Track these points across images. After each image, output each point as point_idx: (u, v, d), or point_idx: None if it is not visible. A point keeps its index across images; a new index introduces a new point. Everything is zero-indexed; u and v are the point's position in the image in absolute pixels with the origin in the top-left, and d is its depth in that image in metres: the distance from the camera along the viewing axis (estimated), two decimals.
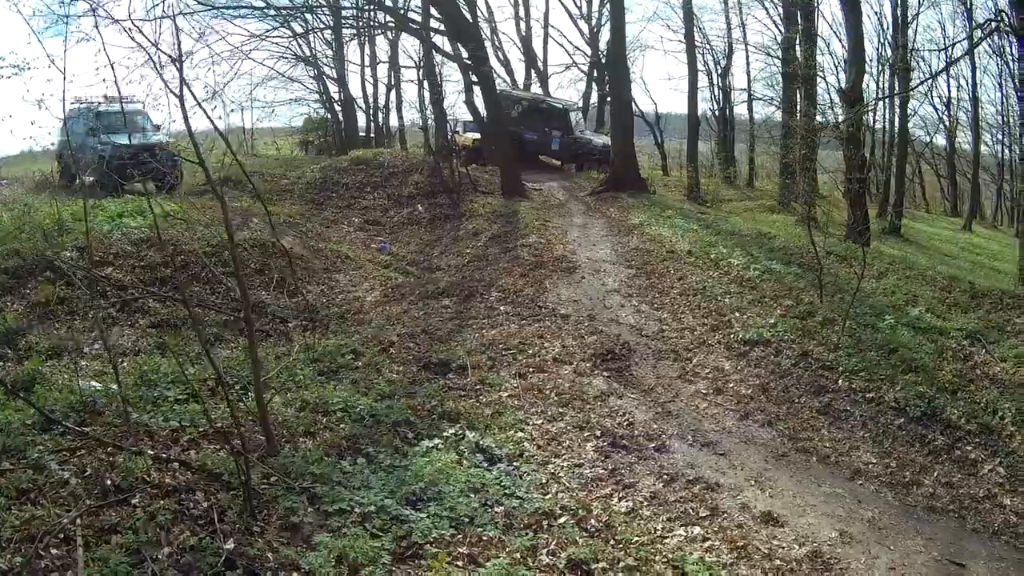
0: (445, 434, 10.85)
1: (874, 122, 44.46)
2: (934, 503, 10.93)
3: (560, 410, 12.38)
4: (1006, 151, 68.21)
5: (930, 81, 53.39)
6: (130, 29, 8.55)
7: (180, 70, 8.29)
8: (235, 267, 9.32)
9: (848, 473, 11.50)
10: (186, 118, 8.64)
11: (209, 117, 8.73)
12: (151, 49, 8.51)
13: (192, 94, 8.47)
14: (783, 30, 46.93)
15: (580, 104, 53.05)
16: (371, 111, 52.59)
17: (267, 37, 37.98)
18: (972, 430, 12.55)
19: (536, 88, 54.01)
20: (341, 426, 10.55)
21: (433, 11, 33.91)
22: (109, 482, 7.84)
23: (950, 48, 47.27)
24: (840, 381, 13.98)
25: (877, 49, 53.36)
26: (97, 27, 9.13)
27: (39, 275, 14.99)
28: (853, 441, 12.41)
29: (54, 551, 6.75)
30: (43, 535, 6.78)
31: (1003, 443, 12.27)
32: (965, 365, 14.37)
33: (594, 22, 54.56)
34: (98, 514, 7.38)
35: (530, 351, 14.73)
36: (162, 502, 7.65)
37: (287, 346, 14.17)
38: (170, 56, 8.38)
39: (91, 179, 26.01)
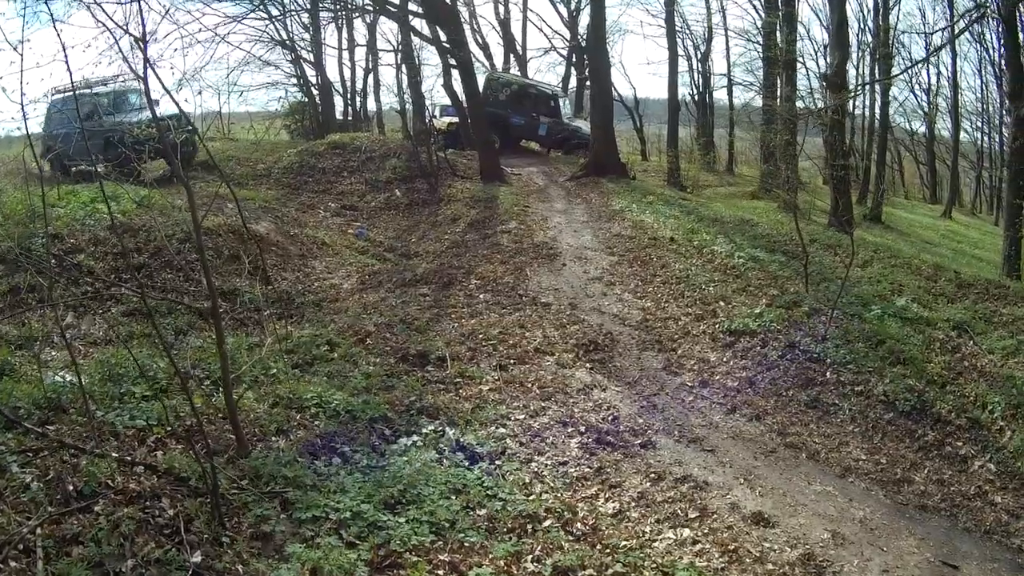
0: (424, 431, 10.55)
1: (854, 108, 44.36)
2: (925, 501, 10.68)
3: (543, 404, 12.06)
4: (985, 138, 68.49)
5: (918, 66, 53.39)
6: (92, 6, 8.13)
7: (144, 51, 7.83)
8: (201, 258, 8.83)
9: (838, 470, 11.21)
10: (150, 101, 8.27)
11: (175, 100, 8.33)
12: (115, 30, 8.07)
13: (157, 76, 8.05)
14: (763, 15, 46.81)
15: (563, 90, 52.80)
16: (349, 95, 52.23)
17: (243, 20, 37.59)
18: (962, 425, 12.29)
19: (515, 71, 53.77)
20: (316, 423, 10.19)
21: None
22: (71, 487, 7.41)
23: (938, 33, 47.30)
24: (828, 373, 13.69)
25: (857, 35, 53.16)
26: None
27: (8, 263, 14.56)
28: (842, 436, 12.13)
29: (13, 563, 6.37)
30: (2, 545, 6.43)
31: (993, 438, 12.01)
32: (953, 357, 14.10)
33: (573, 5, 54.43)
34: (59, 522, 6.98)
35: (511, 341, 14.44)
36: (126, 509, 7.24)
37: (261, 336, 13.80)
38: (133, 36, 7.92)
39: (102, 167, 23.83)
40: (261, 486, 8.26)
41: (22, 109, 7.52)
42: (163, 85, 8.62)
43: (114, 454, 7.99)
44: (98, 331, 13.53)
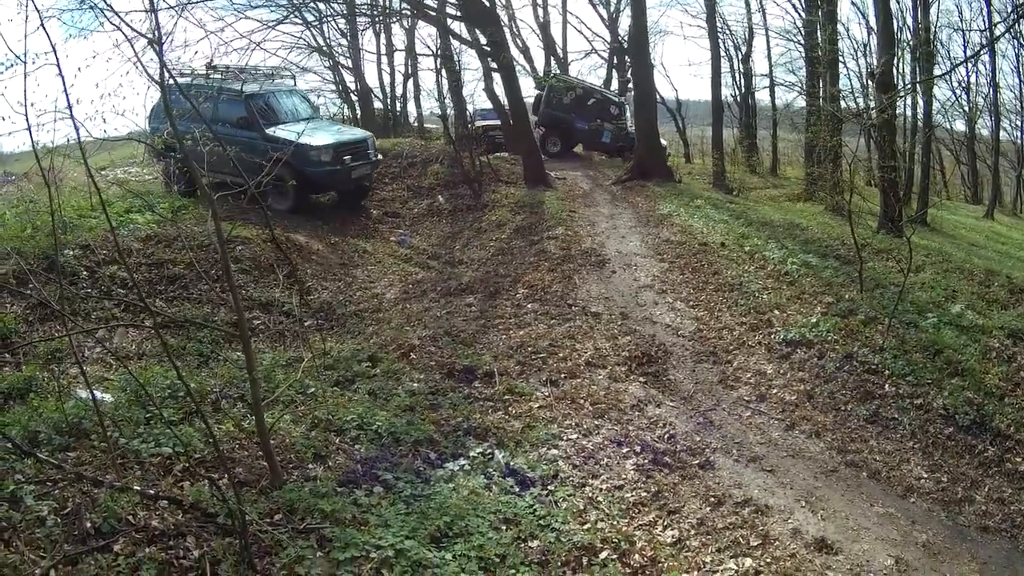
0: (472, 454, 10.01)
1: (896, 106, 44.24)
2: (986, 522, 10.21)
3: (596, 422, 11.52)
4: None
5: (967, 63, 53.02)
6: (106, 11, 7.64)
7: (160, 53, 7.32)
8: (227, 278, 8.27)
9: (900, 490, 10.71)
10: (167, 107, 7.70)
11: (194, 106, 7.86)
12: (129, 32, 7.55)
13: (174, 79, 7.53)
14: (804, 14, 46.48)
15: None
16: (388, 100, 51.95)
17: (278, 26, 37.24)
18: (1022, 439, 11.80)
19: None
20: (356, 447, 9.66)
21: None
22: (89, 524, 6.89)
23: (978, 32, 46.70)
24: (887, 386, 13.13)
25: (897, 32, 52.72)
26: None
27: (40, 274, 13.95)
28: (903, 453, 11.60)
29: None
30: None
31: None
32: (1010, 367, 13.56)
33: (613, 7, 54.09)
34: (76, 563, 6.49)
35: (561, 354, 13.92)
36: (148, 549, 6.75)
37: (299, 350, 13.33)
38: (148, 38, 7.42)
39: (285, 206, 24.68)
40: (296, 522, 7.65)
41: (26, 120, 7.02)
42: (179, 87, 8.09)
43: (136, 487, 7.43)
44: (130, 344, 13.04)
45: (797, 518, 9.56)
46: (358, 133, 28.90)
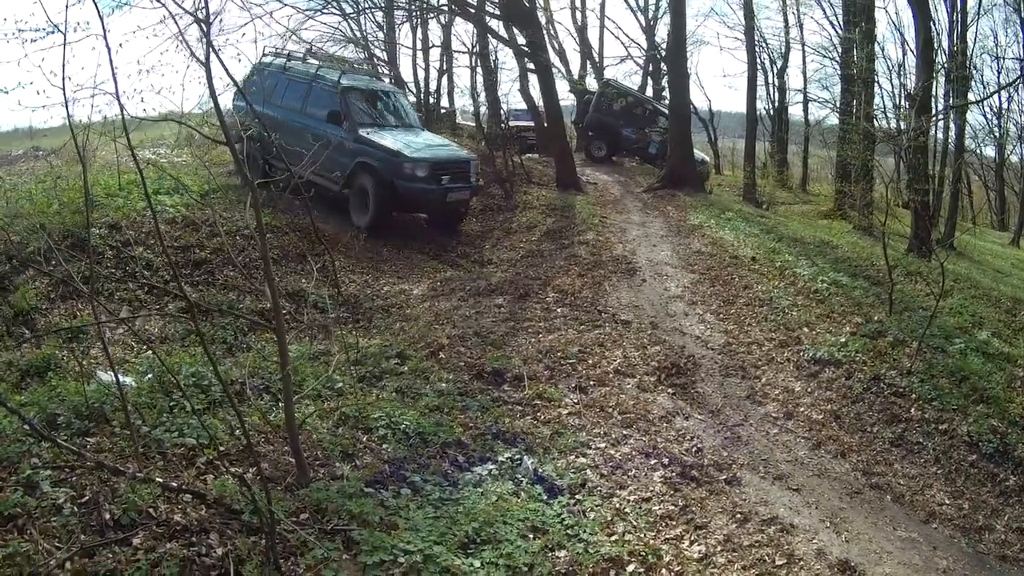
0: (500, 458, 9.91)
1: (931, 128, 44.37)
2: (1005, 551, 10.15)
3: (624, 432, 11.41)
4: None
5: (1007, 90, 53.05)
6: None
7: (207, 33, 7.14)
8: (266, 272, 8.11)
9: (923, 515, 10.63)
10: (212, 91, 7.45)
11: (241, 91, 7.69)
12: (175, 9, 7.38)
13: (220, 61, 7.38)
14: (841, 31, 46.46)
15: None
16: (422, 96, 51.97)
17: (316, 16, 37.22)
18: None
19: (591, 80, 53.68)
20: (384, 446, 9.55)
21: None
22: (108, 515, 6.75)
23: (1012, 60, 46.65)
24: (913, 410, 13.07)
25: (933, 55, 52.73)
26: None
27: (64, 251, 13.74)
28: (927, 478, 11.55)
29: None
30: None
31: None
32: None
33: (651, 14, 54.06)
34: (93, 555, 6.32)
35: (590, 361, 13.82)
36: (169, 545, 6.56)
37: (327, 342, 13.29)
38: (194, 15, 7.28)
39: (363, 222, 22.30)
40: (323, 522, 7.51)
41: (63, 95, 6.88)
42: (228, 71, 7.90)
43: (158, 478, 7.25)
44: (153, 328, 13.08)
45: (822, 539, 9.48)
46: (460, 153, 25.65)
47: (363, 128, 23.41)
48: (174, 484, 7.25)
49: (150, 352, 10.97)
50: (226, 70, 7.97)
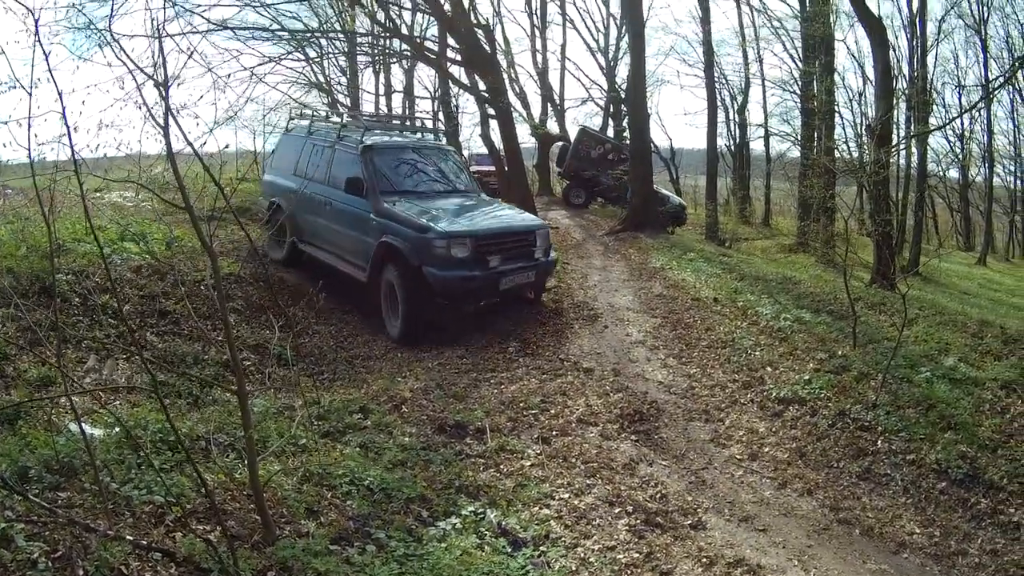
0: (464, 512, 9.88)
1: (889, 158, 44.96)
2: (980, 574, 10.20)
3: (588, 481, 11.45)
4: (1018, 182, 68.77)
5: (966, 114, 53.55)
6: (113, 43, 7.51)
7: (166, 97, 7.22)
8: (227, 335, 8.13)
9: (893, 546, 10.68)
10: (171, 155, 7.48)
11: (197, 153, 7.69)
12: (132, 68, 7.39)
13: (177, 124, 7.40)
14: (801, 64, 46.88)
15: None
16: None
17: (281, 61, 37.34)
18: (1014, 491, 11.71)
19: (552, 123, 54.04)
20: (348, 503, 9.51)
21: (450, 40, 33.42)
22: (82, 572, 6.71)
23: (983, 84, 47.10)
24: (879, 442, 13.14)
25: (892, 81, 53.21)
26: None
27: (33, 296, 14.01)
28: (895, 509, 11.59)
29: None
30: None
31: None
32: (1003, 419, 13.49)
33: (611, 55, 54.45)
34: None
35: (552, 411, 13.87)
36: None
37: (291, 398, 13.21)
38: (153, 79, 7.32)
39: (394, 331, 18.02)
40: None
41: (28, 147, 6.92)
42: (184, 134, 7.87)
43: (128, 536, 7.29)
44: (120, 378, 12.90)
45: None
46: (519, 220, 20.21)
47: (388, 198, 18.75)
48: (144, 542, 7.30)
49: (118, 402, 11.02)
50: (184, 135, 7.95)
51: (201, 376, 12.62)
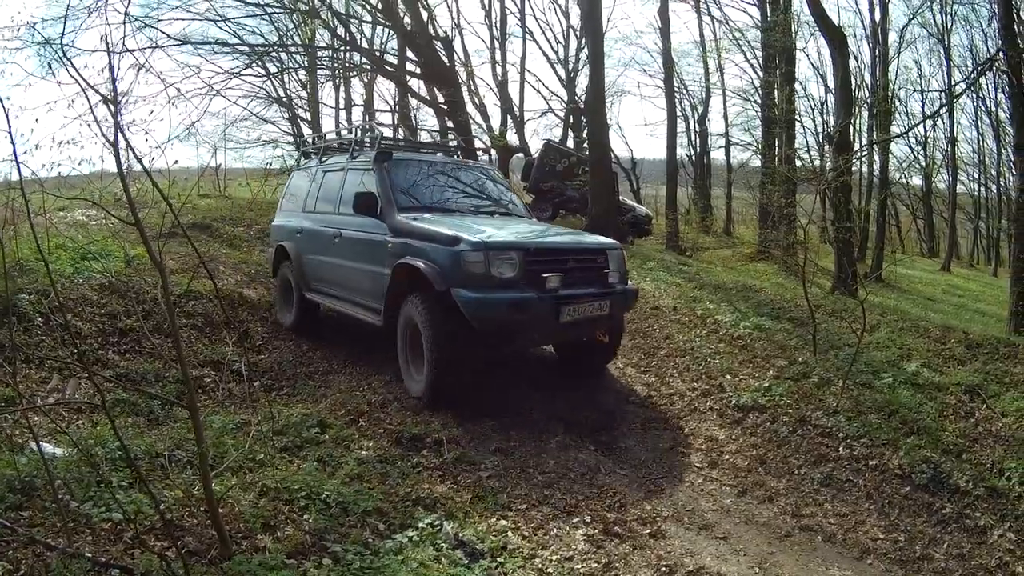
0: (420, 525, 9.89)
1: (850, 167, 45.36)
2: None
3: (545, 492, 11.52)
4: (982, 189, 69.43)
5: (927, 122, 53.92)
6: (65, 60, 7.52)
7: (115, 113, 7.25)
8: (176, 349, 8.11)
9: (856, 552, 10.71)
10: (121, 172, 7.59)
11: (146, 170, 7.69)
12: (87, 88, 7.38)
13: (127, 140, 7.40)
14: (761, 74, 47.13)
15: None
16: None
17: (240, 75, 37.28)
18: (980, 495, 11.77)
19: (512, 135, 54.11)
20: (305, 517, 9.51)
21: (409, 54, 33.52)
22: None
23: (937, 92, 47.36)
24: (841, 448, 13.22)
25: (854, 91, 53.55)
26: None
27: None
28: (858, 515, 11.63)
29: None
30: None
31: (1011, 506, 11.52)
32: (967, 423, 13.67)
33: (571, 67, 54.60)
34: None
35: (507, 418, 13.91)
36: None
37: (250, 412, 13.13)
38: (102, 95, 7.31)
39: (416, 387, 14.20)
40: None
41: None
42: (133, 150, 7.85)
43: (87, 553, 7.37)
44: (84, 397, 12.81)
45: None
46: (585, 239, 15.83)
47: (408, 213, 14.86)
48: (102, 559, 7.36)
49: (81, 422, 11.03)
50: (134, 154, 7.93)
51: (162, 395, 12.63)
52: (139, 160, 7.81)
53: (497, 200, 17.45)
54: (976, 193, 73.31)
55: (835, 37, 27.47)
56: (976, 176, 71.72)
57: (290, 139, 48.65)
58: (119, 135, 7.30)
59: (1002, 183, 63.55)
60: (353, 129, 21.52)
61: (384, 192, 15.25)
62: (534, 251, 13.44)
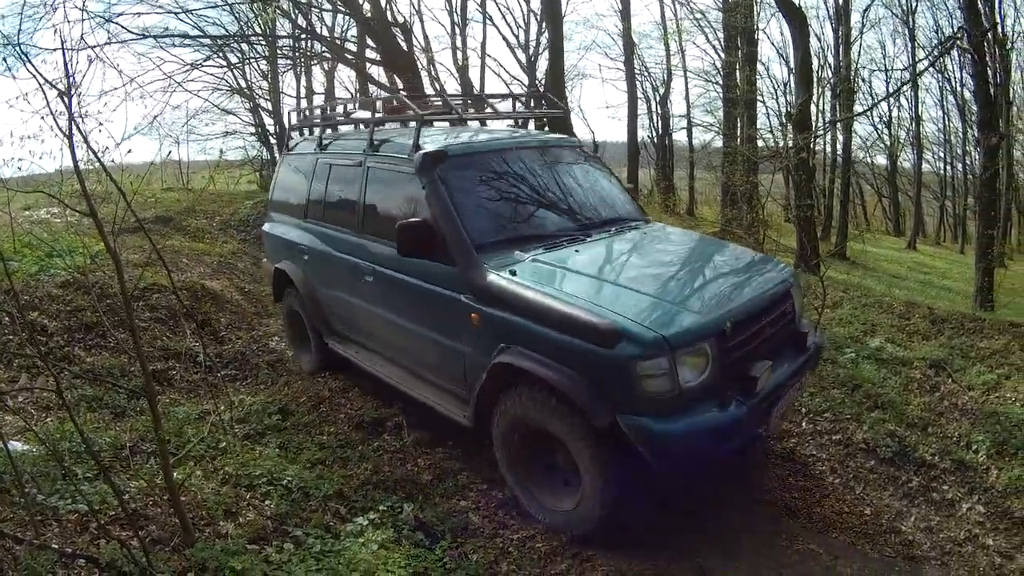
0: (381, 507, 10.07)
1: (813, 144, 45.39)
2: (914, 551, 10.21)
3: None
4: (948, 168, 69.77)
5: (887, 100, 54.23)
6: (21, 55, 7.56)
7: (69, 106, 7.32)
8: (134, 339, 8.18)
9: (820, 526, 10.68)
10: (76, 164, 7.58)
11: (100, 162, 7.75)
12: (44, 83, 7.42)
13: (82, 132, 7.44)
14: (723, 55, 47.27)
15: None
16: None
17: (201, 67, 37.04)
18: (947, 468, 11.86)
19: None
20: (266, 503, 9.71)
21: (369, 41, 33.45)
22: None
23: (900, 71, 47.60)
24: (804, 423, 13.26)
25: (818, 71, 53.76)
26: None
27: None
28: (822, 490, 11.61)
29: None
30: None
31: (979, 479, 11.58)
32: (933, 397, 13.73)
33: (531, 51, 54.51)
34: None
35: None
36: None
37: (213, 401, 13.24)
38: (55, 87, 7.33)
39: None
40: None
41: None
42: (88, 142, 7.89)
43: (54, 545, 7.56)
44: (51, 395, 12.79)
45: (714, 561, 9.56)
46: (763, 275, 10.40)
47: (492, 254, 9.74)
48: (69, 550, 7.54)
49: (50, 419, 11.12)
50: (87, 144, 7.94)
51: (126, 387, 12.64)
52: (93, 152, 7.87)
53: (605, 200, 12.06)
54: (942, 172, 73.82)
55: (795, 17, 27.55)
56: (942, 155, 72.35)
57: (252, 129, 48.34)
58: (74, 126, 7.40)
59: (968, 162, 63.94)
60: (372, 97, 16.95)
61: (448, 222, 9.82)
62: (732, 330, 8.46)
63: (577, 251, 10.06)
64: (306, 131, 16.01)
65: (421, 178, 10.31)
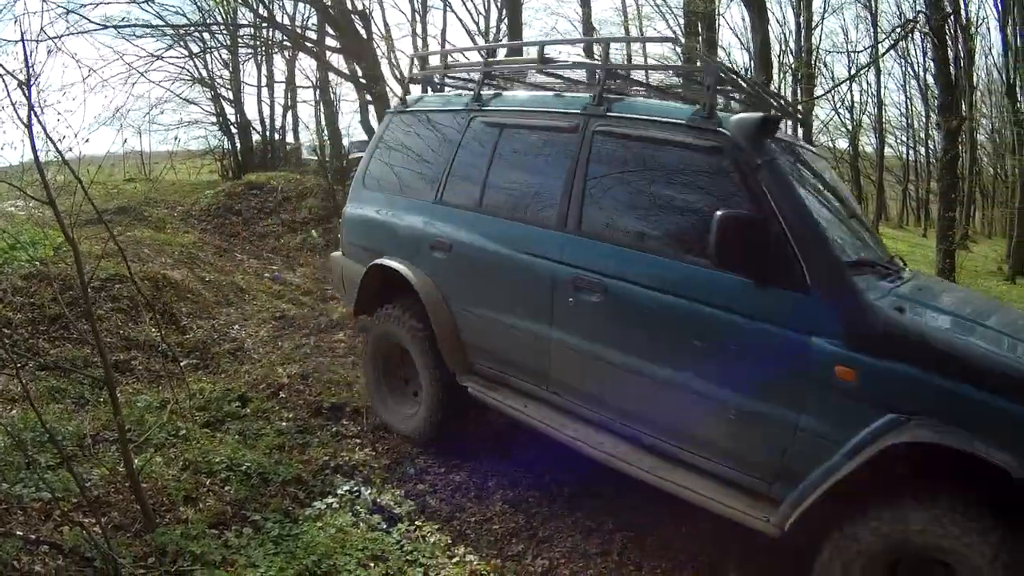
0: (339, 491, 10.24)
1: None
2: None
3: (465, 455, 11.73)
4: (910, 152, 70.17)
5: (846, 84, 54.46)
6: None
7: (28, 96, 7.38)
8: (91, 326, 8.32)
9: None
10: (35, 154, 7.65)
11: (59, 151, 7.85)
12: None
13: (41, 123, 7.52)
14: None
15: None
16: (267, 133, 51.95)
17: (163, 57, 36.96)
18: None
19: None
20: (226, 488, 9.83)
21: (329, 29, 33.50)
22: None
23: (864, 51, 47.84)
24: None
25: (779, 56, 53.99)
26: None
27: None
28: None
29: None
30: None
31: None
32: None
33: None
34: None
35: None
36: None
37: (174, 390, 13.23)
38: (15, 77, 7.36)
39: None
40: (167, 564, 7.88)
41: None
42: (46, 131, 7.93)
43: (19, 532, 7.72)
44: (15, 387, 12.75)
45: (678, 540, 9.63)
46: None
47: (879, 281, 7.11)
48: (32, 537, 7.71)
49: (15, 412, 11.19)
50: (47, 134, 7.97)
51: (87, 376, 12.71)
52: (52, 141, 7.94)
53: (843, 200, 9.20)
54: (904, 156, 74.28)
55: (754, 2, 27.79)
56: (904, 139, 72.74)
57: (213, 119, 48.22)
58: (33, 117, 7.48)
59: (930, 146, 64.38)
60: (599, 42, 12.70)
61: (804, 223, 6.73)
62: None
63: (920, 288, 7.62)
64: (432, 86, 13.30)
65: (744, 156, 6.98)
